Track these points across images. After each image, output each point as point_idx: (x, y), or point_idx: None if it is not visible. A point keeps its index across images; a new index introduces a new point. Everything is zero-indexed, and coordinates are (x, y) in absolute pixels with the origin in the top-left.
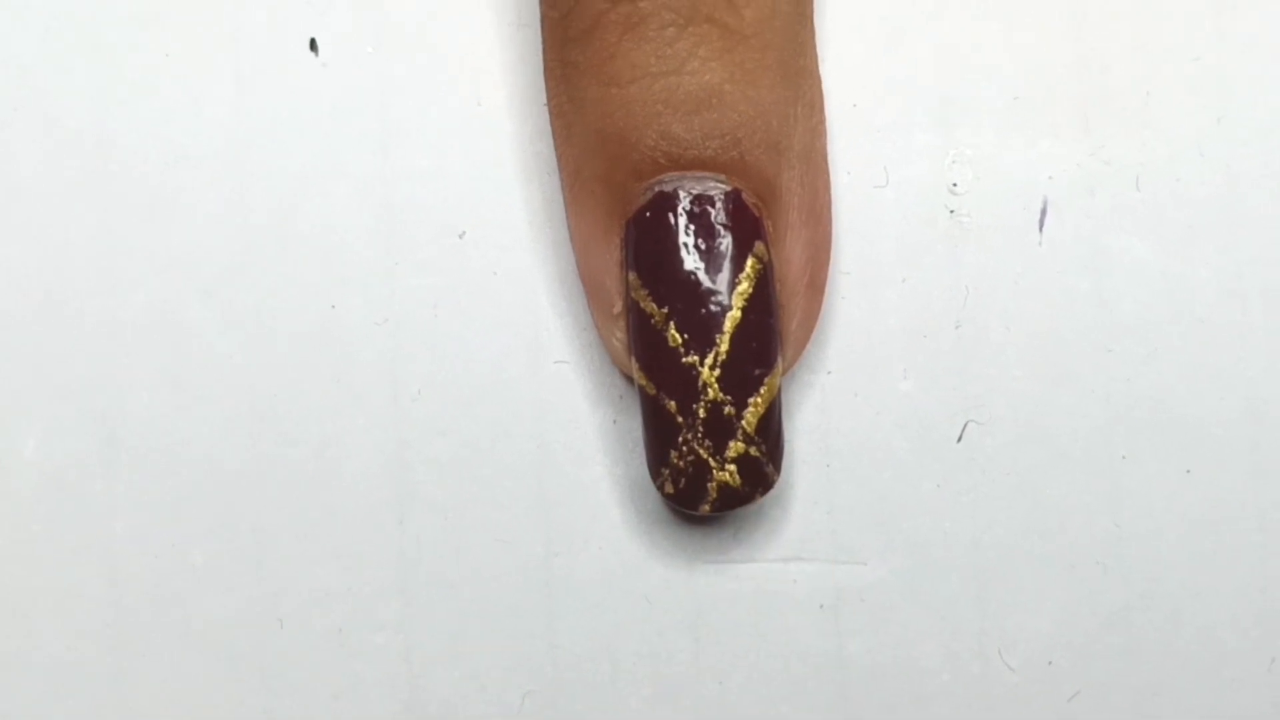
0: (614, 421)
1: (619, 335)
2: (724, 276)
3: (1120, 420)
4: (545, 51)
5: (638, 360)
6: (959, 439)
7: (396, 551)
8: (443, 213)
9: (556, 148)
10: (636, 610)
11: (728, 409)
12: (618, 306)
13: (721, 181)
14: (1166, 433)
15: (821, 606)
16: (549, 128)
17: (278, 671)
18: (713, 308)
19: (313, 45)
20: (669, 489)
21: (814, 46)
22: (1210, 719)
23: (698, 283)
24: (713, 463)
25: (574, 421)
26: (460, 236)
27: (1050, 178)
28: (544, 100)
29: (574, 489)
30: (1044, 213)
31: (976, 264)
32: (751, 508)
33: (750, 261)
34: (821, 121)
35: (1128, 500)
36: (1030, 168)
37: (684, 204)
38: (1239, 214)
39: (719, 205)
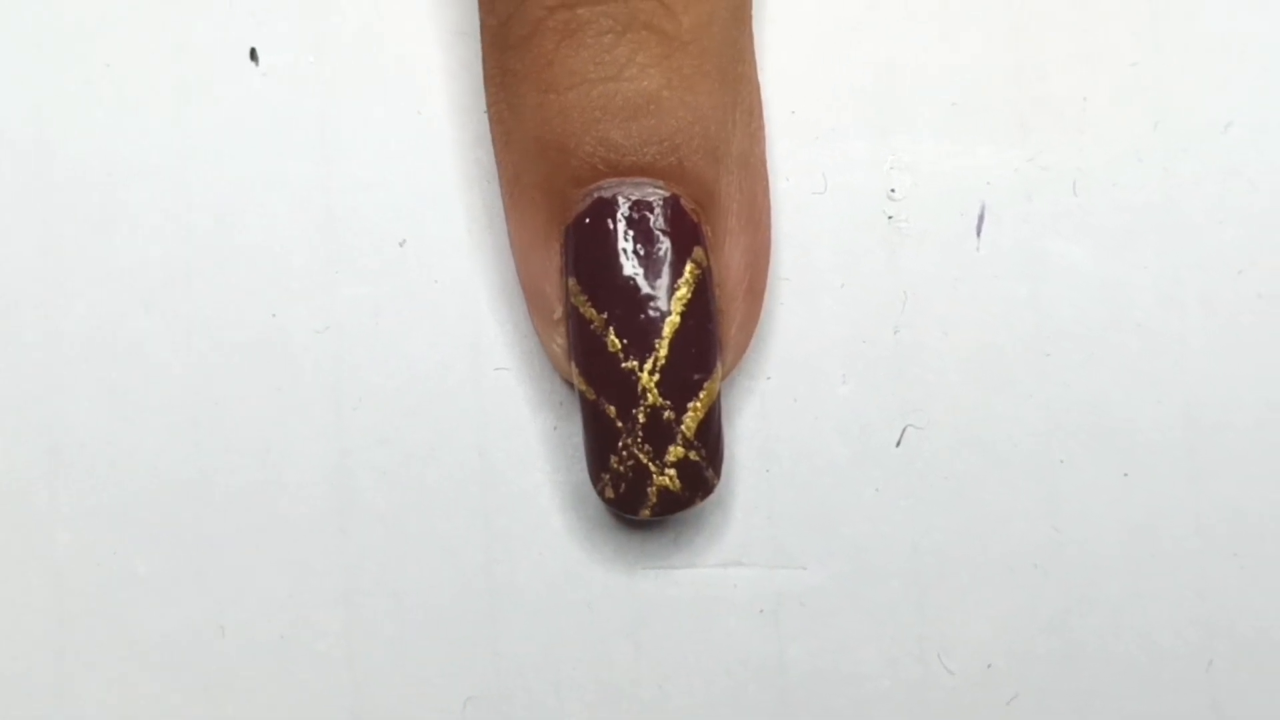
0: (554, 428)
1: (559, 341)
2: (663, 282)
3: (1058, 425)
4: (485, 58)
5: (577, 366)
6: (898, 444)
7: (339, 559)
8: (383, 221)
9: (496, 154)
10: (577, 616)
11: (667, 414)
12: (557, 312)
13: (660, 187)
14: (1104, 437)
15: (761, 611)
16: (489, 135)
17: (221, 680)
18: (651, 313)
19: (253, 55)
20: (609, 494)
21: (752, 53)
22: None
23: (636, 288)
24: (652, 467)
25: (515, 428)
26: (400, 245)
27: (988, 183)
28: (484, 108)
29: (515, 496)
30: (982, 218)
31: (914, 269)
32: (691, 513)
33: (689, 267)
34: (760, 128)
35: (1066, 504)
36: (968, 174)
37: (622, 210)
38: (1176, 219)
39: (657, 211)
